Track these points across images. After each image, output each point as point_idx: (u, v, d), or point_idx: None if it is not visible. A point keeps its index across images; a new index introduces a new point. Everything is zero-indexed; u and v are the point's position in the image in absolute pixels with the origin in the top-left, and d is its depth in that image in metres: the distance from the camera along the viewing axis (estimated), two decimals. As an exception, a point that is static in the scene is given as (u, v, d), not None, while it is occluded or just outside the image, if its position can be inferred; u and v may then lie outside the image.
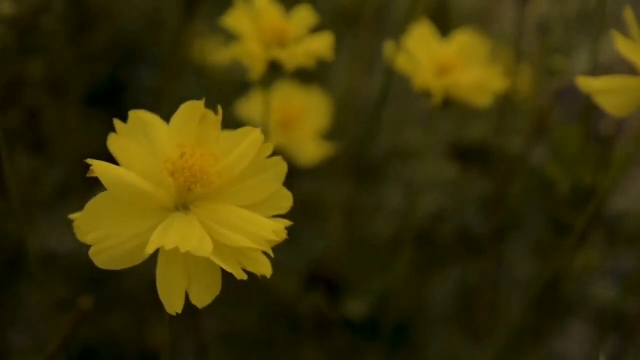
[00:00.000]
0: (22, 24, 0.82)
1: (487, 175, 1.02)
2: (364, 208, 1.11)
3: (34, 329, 1.02)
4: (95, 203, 0.45)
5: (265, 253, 0.46)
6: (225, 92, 1.16)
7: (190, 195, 0.47)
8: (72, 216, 0.47)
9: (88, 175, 0.44)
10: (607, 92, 0.57)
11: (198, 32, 1.19)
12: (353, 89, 1.12)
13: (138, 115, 0.49)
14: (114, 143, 0.47)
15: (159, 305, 1.03)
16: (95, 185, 1.03)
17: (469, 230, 1.03)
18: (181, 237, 0.44)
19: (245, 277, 0.45)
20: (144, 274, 1.00)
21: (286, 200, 0.48)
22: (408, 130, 1.18)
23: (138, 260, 0.45)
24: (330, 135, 0.97)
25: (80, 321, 0.51)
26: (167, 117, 0.51)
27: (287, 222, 0.47)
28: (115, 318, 1.03)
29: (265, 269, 0.46)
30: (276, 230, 0.45)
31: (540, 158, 0.96)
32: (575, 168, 0.83)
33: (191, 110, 0.49)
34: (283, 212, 0.48)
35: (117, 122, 0.48)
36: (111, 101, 1.22)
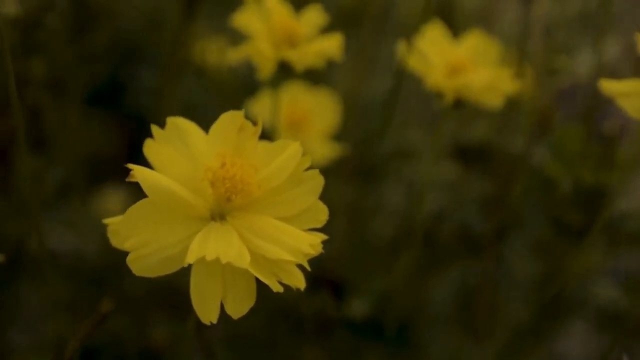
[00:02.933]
0: (25, 23, 0.82)
1: (488, 175, 1.02)
2: (365, 208, 1.11)
3: (34, 328, 1.01)
4: (135, 209, 0.45)
5: (299, 266, 0.46)
6: (226, 93, 1.16)
7: (228, 206, 0.47)
8: (107, 220, 0.47)
9: (127, 179, 0.44)
10: (629, 95, 0.57)
11: (198, 32, 1.19)
12: (355, 90, 1.12)
13: (175, 122, 0.49)
14: (150, 148, 0.47)
15: (160, 305, 1.03)
16: (96, 185, 1.03)
17: (470, 229, 1.03)
18: (220, 247, 0.44)
19: (281, 289, 0.45)
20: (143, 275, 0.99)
21: (322, 214, 0.48)
22: (409, 131, 1.18)
23: (174, 268, 0.45)
24: (333, 135, 0.97)
25: (100, 323, 0.51)
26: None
27: (323, 236, 0.47)
28: (116, 318, 1.03)
29: (299, 281, 0.46)
30: (313, 243, 0.45)
31: (541, 158, 0.96)
32: (576, 168, 0.83)
33: (230, 120, 0.48)
34: (319, 225, 0.48)
35: (154, 128, 0.48)
36: (111, 101, 1.22)
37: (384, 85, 1.13)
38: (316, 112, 0.95)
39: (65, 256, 1.02)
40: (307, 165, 0.48)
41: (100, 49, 1.16)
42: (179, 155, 0.48)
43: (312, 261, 1.03)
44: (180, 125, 0.49)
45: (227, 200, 0.47)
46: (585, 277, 1.06)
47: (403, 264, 0.85)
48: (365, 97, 1.14)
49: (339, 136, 0.97)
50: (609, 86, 0.58)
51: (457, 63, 0.77)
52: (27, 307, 1.01)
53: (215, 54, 1.17)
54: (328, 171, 1.03)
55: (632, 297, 1.03)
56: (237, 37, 0.75)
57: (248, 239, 0.46)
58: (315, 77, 0.99)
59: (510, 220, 1.02)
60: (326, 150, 0.93)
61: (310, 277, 0.97)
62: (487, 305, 1.03)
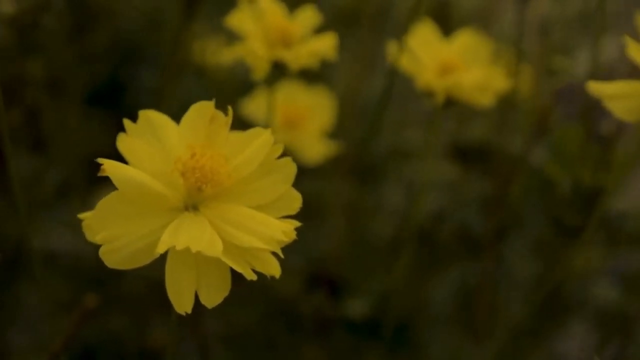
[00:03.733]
0: (22, 23, 0.82)
1: (487, 175, 1.02)
2: (364, 208, 1.12)
3: (34, 328, 1.02)
4: (105, 202, 0.45)
5: (274, 253, 0.46)
6: (226, 92, 1.16)
7: (200, 196, 0.47)
8: (81, 215, 0.47)
9: (99, 174, 0.44)
10: (618, 97, 0.57)
11: (198, 32, 1.19)
12: (354, 89, 1.12)
13: (147, 115, 0.49)
14: (123, 142, 0.47)
15: (159, 305, 1.03)
16: (95, 185, 1.04)
17: (469, 230, 1.03)
18: (192, 236, 0.44)
19: (255, 277, 0.45)
20: (144, 274, 1.00)
21: (295, 201, 0.48)
22: (408, 130, 1.18)
23: (147, 260, 0.45)
24: (332, 134, 0.97)
25: (85, 319, 0.51)
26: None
27: (296, 223, 0.47)
28: (115, 318, 1.03)
29: (274, 269, 0.46)
30: (285, 230, 0.45)
31: (540, 158, 0.96)
32: (575, 168, 0.83)
33: (201, 111, 0.48)
34: (292, 212, 0.48)
35: (126, 122, 0.48)
36: (111, 101, 1.22)
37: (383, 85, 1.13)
38: (313, 111, 0.95)
39: (65, 256, 1.02)
40: (279, 153, 0.48)
41: (100, 49, 1.16)
42: (151, 148, 0.48)
43: (310, 259, 1.03)
44: (152, 118, 0.49)
45: (198, 191, 0.47)
46: (585, 278, 1.06)
47: (403, 263, 0.85)
48: (365, 96, 1.14)
49: (338, 135, 0.98)
50: (598, 88, 0.58)
51: (449, 62, 0.76)
52: (27, 307, 1.02)
53: (217, 53, 1.17)
54: (327, 170, 1.03)
55: (631, 297, 1.03)
56: (237, 37, 0.75)
57: (221, 228, 0.46)
58: (315, 76, 0.99)
59: (510, 220, 1.02)
60: (322, 149, 0.93)
61: (308, 276, 0.97)
62: (487, 305, 1.03)
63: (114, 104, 1.21)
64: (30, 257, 0.60)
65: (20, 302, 1.01)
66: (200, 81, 1.23)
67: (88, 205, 0.48)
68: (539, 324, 1.04)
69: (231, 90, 1.15)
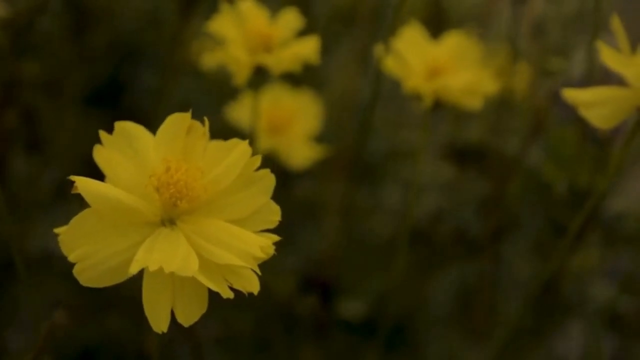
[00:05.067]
0: (18, 24, 0.83)
1: (485, 176, 1.02)
2: (361, 208, 1.11)
3: (31, 329, 1.02)
4: (79, 219, 0.44)
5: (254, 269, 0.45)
6: (225, 92, 1.16)
7: (176, 210, 0.46)
8: (57, 230, 0.46)
9: (72, 192, 0.43)
10: (593, 104, 0.56)
11: (196, 32, 1.19)
12: (350, 89, 1.11)
13: (123, 127, 0.48)
14: (99, 154, 0.46)
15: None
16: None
17: (467, 230, 1.03)
18: (165, 256, 0.43)
19: (231, 295, 0.44)
20: (143, 275, 1.00)
21: (274, 214, 0.47)
22: (406, 131, 1.18)
23: (123, 278, 0.44)
24: (328, 135, 0.97)
25: (53, 335, 0.50)
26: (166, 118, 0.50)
27: (275, 237, 0.46)
28: (114, 318, 1.03)
29: (252, 285, 0.45)
30: (263, 246, 0.44)
31: (536, 158, 0.96)
32: (572, 169, 0.83)
33: (177, 122, 0.47)
34: (271, 226, 0.47)
35: (102, 134, 0.47)
36: (111, 101, 1.22)
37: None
38: (299, 114, 0.94)
39: (63, 257, 1.02)
40: (257, 165, 0.47)
41: (100, 49, 1.16)
42: (127, 161, 0.47)
43: (306, 260, 1.03)
44: (128, 130, 0.48)
45: (174, 206, 0.46)
46: (584, 278, 1.06)
47: (400, 263, 0.85)
48: (361, 97, 1.14)
49: (334, 136, 0.97)
50: (573, 95, 0.57)
51: (437, 64, 0.75)
52: (25, 308, 1.02)
53: (203, 56, 1.17)
54: (322, 170, 1.03)
55: (630, 297, 1.03)
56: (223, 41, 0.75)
57: (197, 244, 0.45)
58: (309, 77, 0.99)
59: (507, 220, 1.02)
60: (309, 153, 0.92)
61: (301, 278, 0.97)
62: (486, 306, 1.03)
63: (113, 104, 1.21)
64: (20, 260, 0.60)
65: (17, 303, 1.01)
66: (200, 81, 1.23)
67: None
68: (539, 324, 1.04)
69: (230, 90, 1.15)
